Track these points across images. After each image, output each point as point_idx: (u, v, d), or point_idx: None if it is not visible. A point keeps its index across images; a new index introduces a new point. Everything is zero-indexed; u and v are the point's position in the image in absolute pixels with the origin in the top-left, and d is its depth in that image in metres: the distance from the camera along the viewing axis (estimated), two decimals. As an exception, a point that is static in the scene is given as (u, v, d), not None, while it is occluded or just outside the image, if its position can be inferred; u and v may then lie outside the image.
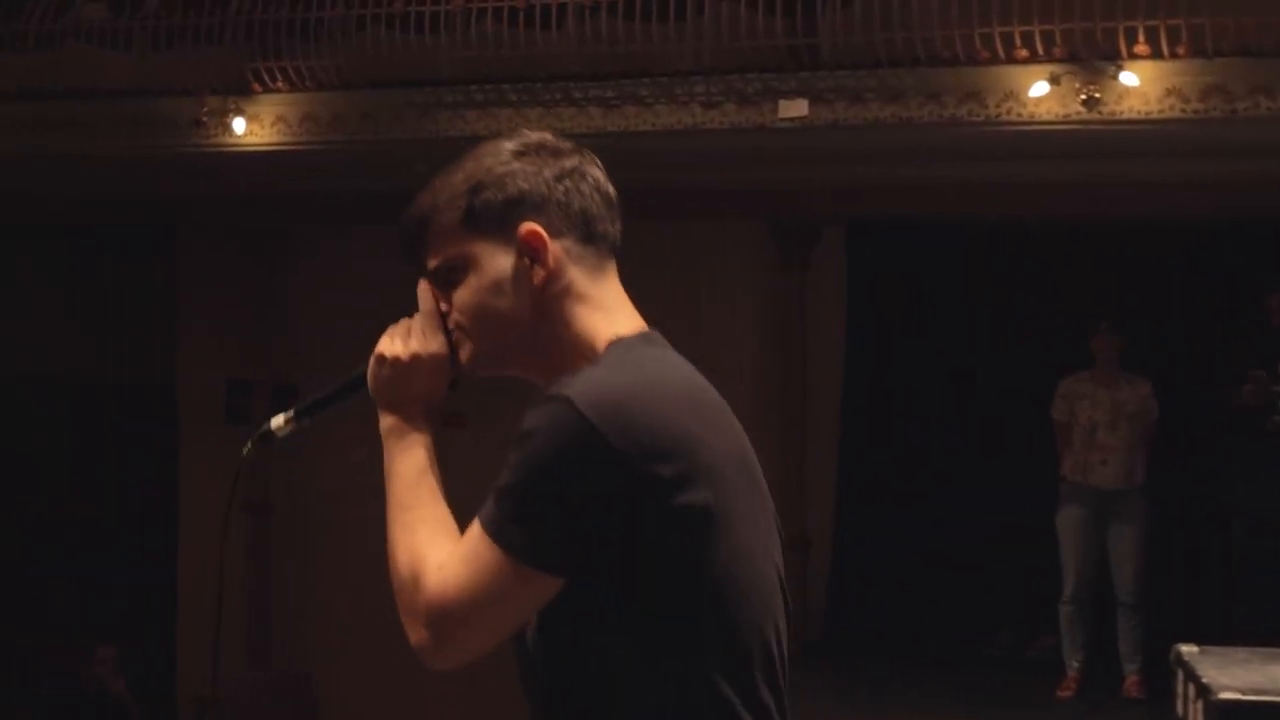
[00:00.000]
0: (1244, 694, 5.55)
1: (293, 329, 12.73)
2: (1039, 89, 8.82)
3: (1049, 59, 8.85)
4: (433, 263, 2.43)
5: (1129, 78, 8.67)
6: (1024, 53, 8.92)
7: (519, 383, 2.49)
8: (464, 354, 2.44)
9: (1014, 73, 8.92)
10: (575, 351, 2.35)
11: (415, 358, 2.43)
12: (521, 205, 2.36)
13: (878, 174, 10.15)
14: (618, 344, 2.35)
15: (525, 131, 2.44)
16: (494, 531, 2.23)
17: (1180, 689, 6.30)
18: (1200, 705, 5.76)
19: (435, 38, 9.92)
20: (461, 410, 12.02)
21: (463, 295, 2.40)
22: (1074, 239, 10.60)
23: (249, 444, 2.59)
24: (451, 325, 2.43)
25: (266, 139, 10.26)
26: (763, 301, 11.53)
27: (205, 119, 10.18)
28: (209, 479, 13.05)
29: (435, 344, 2.43)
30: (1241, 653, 6.45)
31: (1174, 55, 8.68)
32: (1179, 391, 9.80)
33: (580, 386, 2.22)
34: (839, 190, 10.31)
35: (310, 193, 11.77)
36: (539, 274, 2.35)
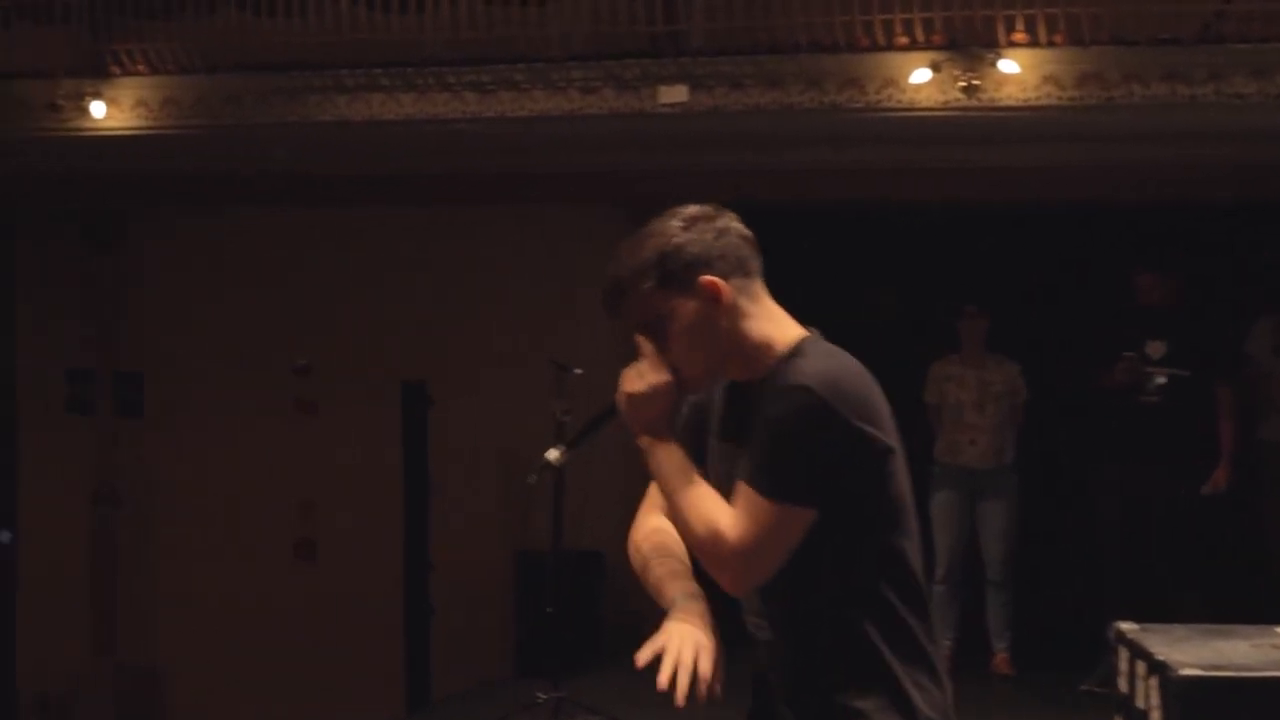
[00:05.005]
0: (1205, 670, 5.60)
1: (137, 316, 12.38)
2: (919, 76, 8.87)
3: (929, 46, 8.90)
4: (639, 320, 3.24)
5: (1008, 65, 8.74)
6: (904, 40, 8.97)
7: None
8: (689, 381, 3.26)
9: (894, 59, 8.96)
10: (758, 353, 3.22)
11: (651, 389, 3.22)
12: (697, 265, 3.18)
13: (760, 160, 10.12)
14: (805, 341, 3.24)
15: (680, 209, 3.21)
16: (769, 491, 3.09)
17: (1125, 667, 6.32)
18: (1155, 682, 5.78)
19: (303, 21, 9.72)
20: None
21: (672, 339, 3.22)
22: (945, 224, 10.67)
23: (534, 475, 3.69)
24: (671, 363, 3.22)
25: (126, 123, 9.95)
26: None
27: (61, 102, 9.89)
28: (49, 469, 12.73)
29: (662, 376, 3.22)
30: (1179, 630, 6.48)
31: (1051, 43, 8.76)
32: (1050, 372, 9.89)
33: (811, 376, 3.10)
34: (719, 175, 10.21)
35: (166, 177, 11.45)
36: (719, 309, 3.18)
